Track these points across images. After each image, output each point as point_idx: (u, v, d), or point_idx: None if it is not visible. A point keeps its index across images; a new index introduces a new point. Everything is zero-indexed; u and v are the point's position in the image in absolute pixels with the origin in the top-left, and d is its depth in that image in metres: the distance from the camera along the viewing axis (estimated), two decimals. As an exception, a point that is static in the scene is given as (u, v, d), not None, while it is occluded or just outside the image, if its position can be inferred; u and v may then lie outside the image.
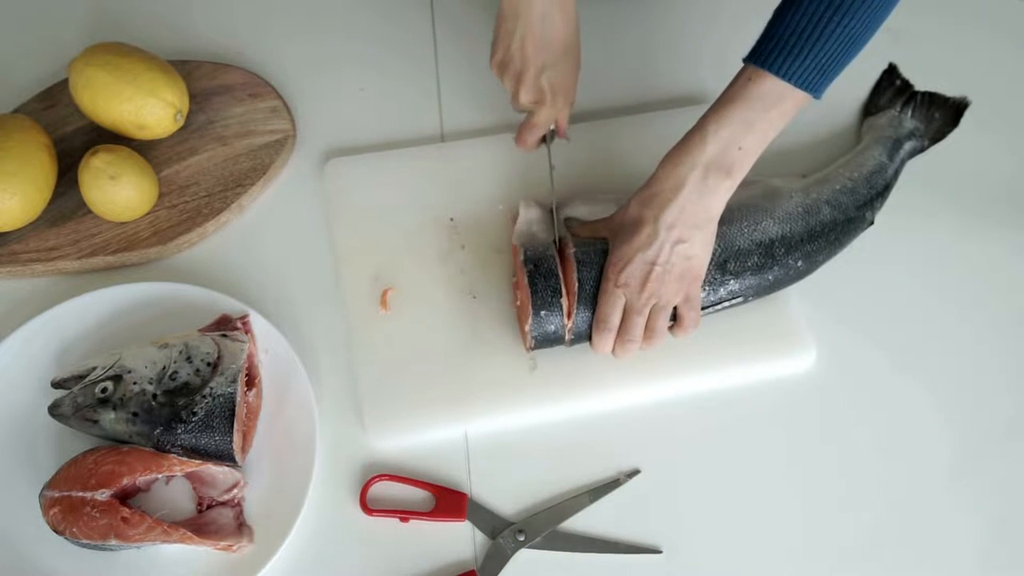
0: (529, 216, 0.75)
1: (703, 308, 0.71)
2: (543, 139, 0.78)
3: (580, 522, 0.68)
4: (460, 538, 0.68)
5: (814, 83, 0.63)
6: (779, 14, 0.64)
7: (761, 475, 0.70)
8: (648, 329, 0.69)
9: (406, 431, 0.71)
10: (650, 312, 0.68)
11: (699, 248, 0.67)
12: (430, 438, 0.71)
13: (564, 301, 0.69)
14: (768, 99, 0.64)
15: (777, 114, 0.64)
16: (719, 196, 0.66)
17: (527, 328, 0.70)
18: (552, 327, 0.69)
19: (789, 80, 0.63)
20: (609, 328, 0.68)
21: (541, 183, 0.78)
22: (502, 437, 0.71)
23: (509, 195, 0.80)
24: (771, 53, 0.63)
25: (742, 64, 0.66)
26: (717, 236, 0.70)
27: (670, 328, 0.70)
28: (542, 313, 0.69)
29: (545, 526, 0.67)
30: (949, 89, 0.86)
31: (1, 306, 0.76)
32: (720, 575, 0.67)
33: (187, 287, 0.74)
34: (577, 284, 0.69)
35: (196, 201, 0.80)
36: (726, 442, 0.72)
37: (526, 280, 0.69)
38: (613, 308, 0.68)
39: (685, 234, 0.66)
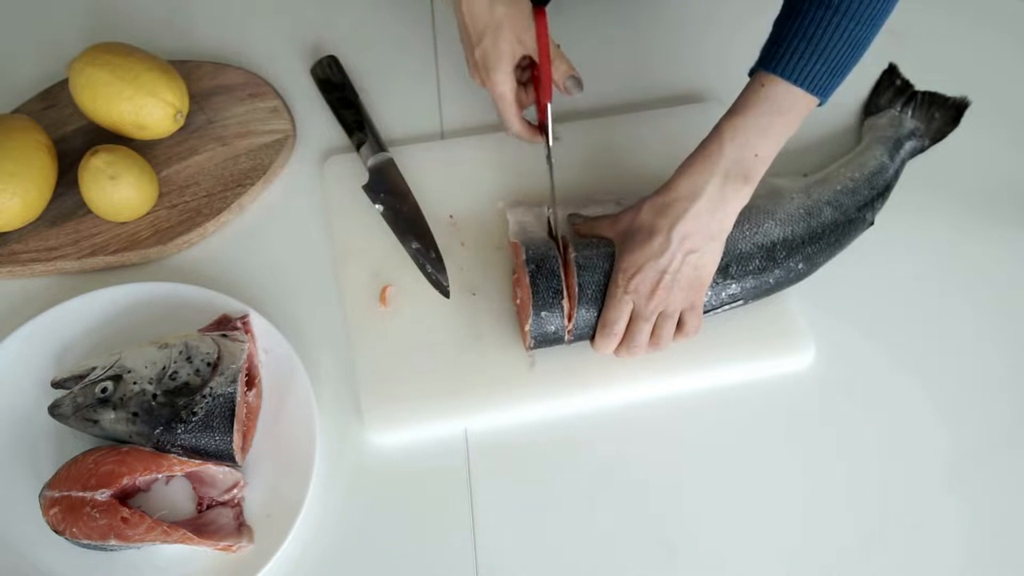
0: (518, 218, 0.76)
1: (704, 312, 0.71)
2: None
3: (579, 518, 0.68)
4: (462, 550, 0.68)
5: (823, 87, 0.64)
6: (784, 22, 0.65)
7: (759, 472, 0.70)
8: (654, 336, 0.69)
9: (406, 429, 0.71)
10: (656, 319, 0.68)
11: (709, 259, 0.68)
12: (430, 435, 0.71)
13: (565, 303, 0.69)
14: (781, 104, 0.65)
15: (789, 120, 0.65)
16: (735, 205, 0.67)
17: (527, 328, 0.70)
18: (552, 328, 0.69)
19: (801, 85, 0.64)
20: (615, 333, 0.68)
21: (539, 180, 0.78)
22: (502, 434, 0.71)
23: (508, 193, 0.80)
24: (783, 58, 0.64)
25: (747, 67, 0.67)
26: (719, 239, 0.71)
27: None
28: (543, 314, 0.69)
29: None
30: (949, 89, 0.86)
31: (1, 306, 0.76)
32: (718, 571, 0.67)
33: (187, 287, 0.74)
34: (578, 288, 0.69)
35: (196, 201, 0.80)
36: (725, 439, 0.72)
37: (527, 280, 0.69)
38: (620, 314, 0.68)
39: (698, 244, 0.66)
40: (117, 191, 0.75)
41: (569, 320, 0.69)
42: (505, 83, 0.74)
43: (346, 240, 0.78)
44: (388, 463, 0.70)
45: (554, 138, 0.76)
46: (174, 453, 0.66)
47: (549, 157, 0.76)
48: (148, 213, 0.79)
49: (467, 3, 0.73)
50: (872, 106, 0.86)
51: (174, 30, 0.90)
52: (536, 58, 0.74)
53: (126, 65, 0.77)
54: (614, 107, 0.86)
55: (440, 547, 0.67)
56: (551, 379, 0.72)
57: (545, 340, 0.70)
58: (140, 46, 0.80)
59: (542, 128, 0.77)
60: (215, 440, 0.66)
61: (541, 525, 0.68)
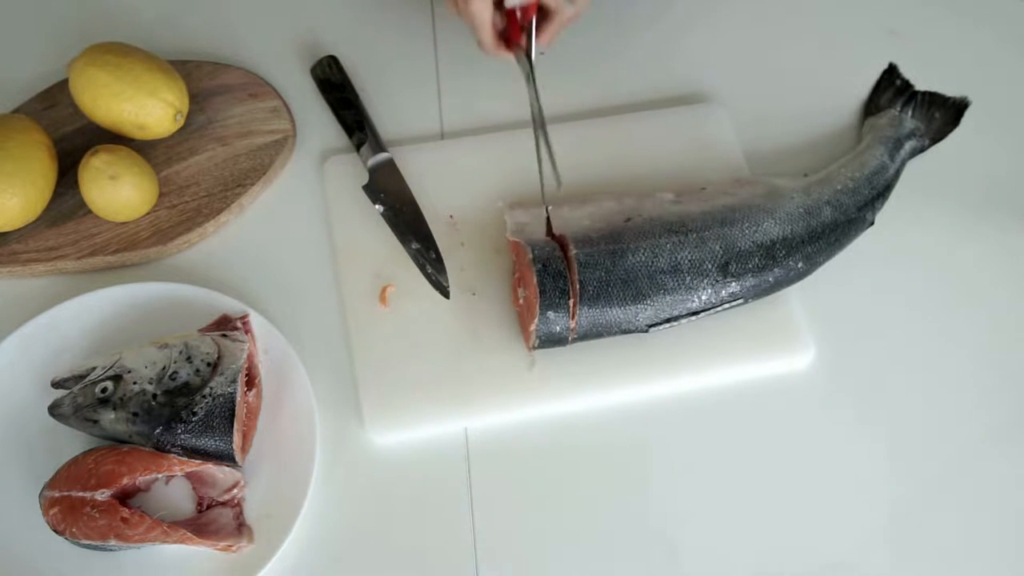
0: (516, 219, 0.76)
1: (704, 310, 0.71)
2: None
3: (580, 517, 0.68)
4: (462, 549, 0.68)
5: None
6: None
7: (759, 472, 0.70)
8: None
9: (406, 429, 0.71)
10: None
11: None
12: (430, 435, 0.71)
13: (571, 302, 0.69)
14: None
15: None
16: None
17: (532, 328, 0.69)
18: (558, 328, 0.69)
19: None
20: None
21: (538, 180, 0.78)
22: (502, 434, 0.71)
23: (508, 193, 0.80)
24: None
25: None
26: (718, 237, 0.71)
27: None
28: (549, 314, 0.69)
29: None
30: (949, 89, 0.86)
31: (1, 306, 0.76)
32: (718, 571, 0.67)
33: (187, 287, 0.74)
34: (580, 285, 0.69)
35: (196, 201, 0.80)
36: (725, 439, 0.72)
37: (535, 279, 0.69)
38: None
39: None
40: (117, 191, 0.75)
41: (573, 318, 0.69)
42: (485, 10, 0.73)
43: (346, 240, 0.78)
44: (388, 463, 0.70)
45: (538, 52, 0.75)
46: (174, 453, 0.66)
47: (531, 73, 0.73)
48: (148, 213, 0.79)
49: None
50: (872, 106, 0.86)
51: (174, 30, 0.90)
52: None
53: (126, 65, 0.77)
54: (614, 107, 0.86)
55: (440, 547, 0.67)
56: (551, 379, 0.72)
57: (550, 340, 0.70)
58: (140, 46, 0.80)
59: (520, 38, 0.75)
60: (215, 440, 0.66)
61: (541, 525, 0.68)
